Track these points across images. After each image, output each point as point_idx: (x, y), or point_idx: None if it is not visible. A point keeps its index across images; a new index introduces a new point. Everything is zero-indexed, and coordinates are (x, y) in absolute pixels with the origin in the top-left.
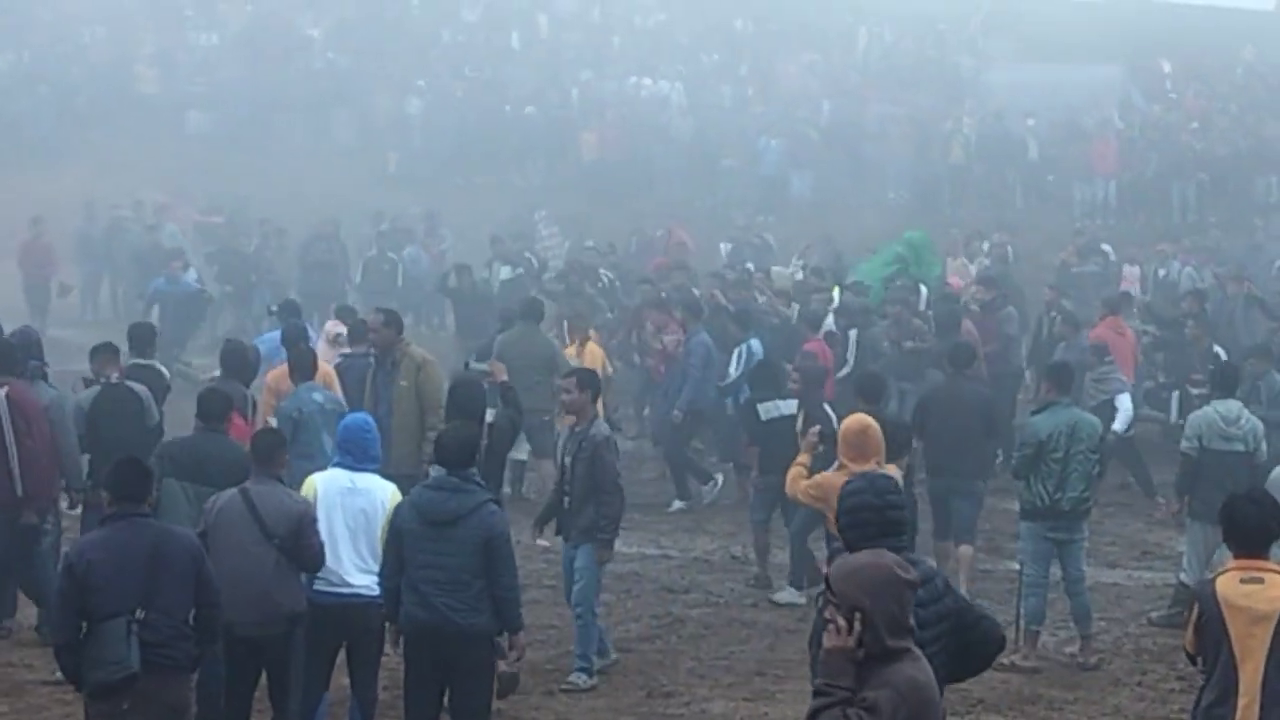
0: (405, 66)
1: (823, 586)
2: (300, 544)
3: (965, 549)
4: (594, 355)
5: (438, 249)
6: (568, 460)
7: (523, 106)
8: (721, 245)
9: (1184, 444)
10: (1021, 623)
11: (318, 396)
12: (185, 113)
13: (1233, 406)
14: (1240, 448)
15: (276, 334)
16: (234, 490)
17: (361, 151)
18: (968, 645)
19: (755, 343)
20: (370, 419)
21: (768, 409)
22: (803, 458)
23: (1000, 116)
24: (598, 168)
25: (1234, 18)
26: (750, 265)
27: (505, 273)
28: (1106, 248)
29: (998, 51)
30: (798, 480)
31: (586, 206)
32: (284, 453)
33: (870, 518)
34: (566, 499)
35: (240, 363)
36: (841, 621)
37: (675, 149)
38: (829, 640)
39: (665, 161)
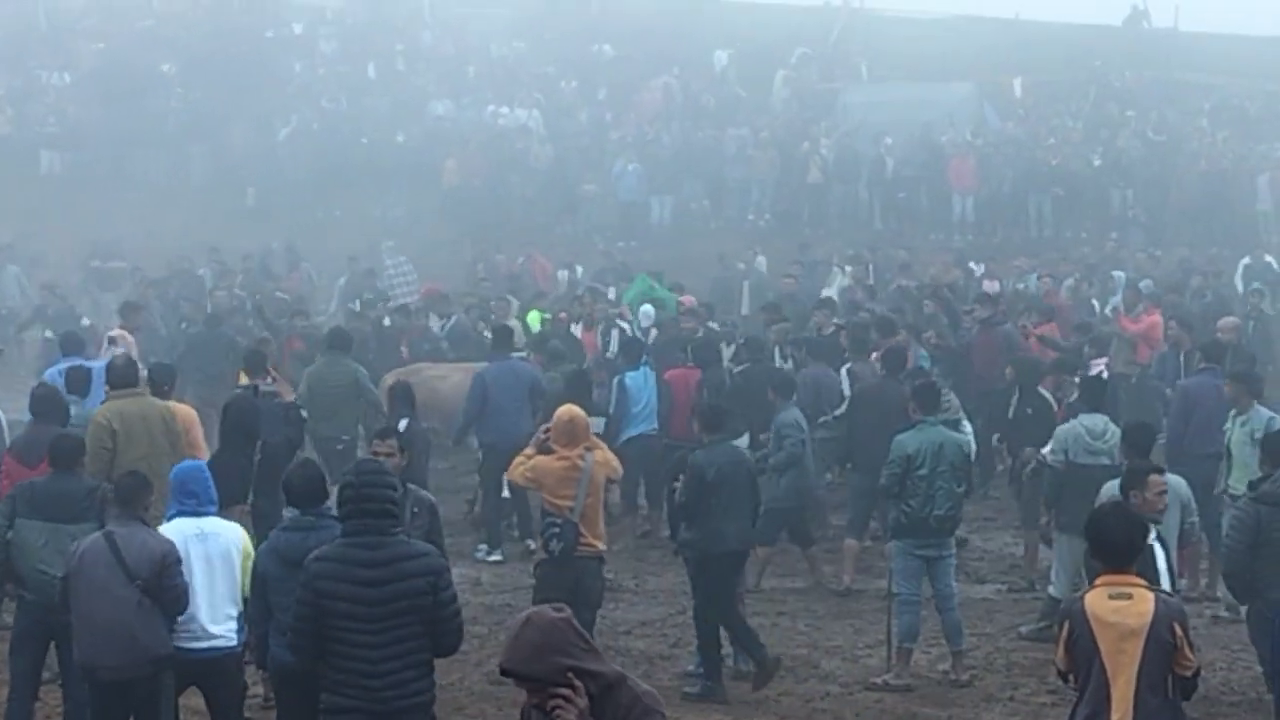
0: (260, 100)
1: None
2: (163, 584)
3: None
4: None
5: (300, 281)
6: None
7: (380, 138)
8: (560, 272)
9: (1050, 457)
10: (894, 641)
11: None
12: (38, 153)
13: (1098, 420)
14: (1106, 461)
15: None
16: (98, 534)
17: (218, 188)
18: None
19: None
20: (203, 464)
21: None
22: (529, 450)
23: (857, 136)
24: (458, 196)
25: (1085, 34)
26: (611, 290)
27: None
28: (973, 265)
29: (853, 72)
30: (517, 466)
31: (446, 236)
32: (148, 494)
33: (349, 495)
34: None
35: (53, 407)
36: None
37: (534, 176)
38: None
39: (525, 189)
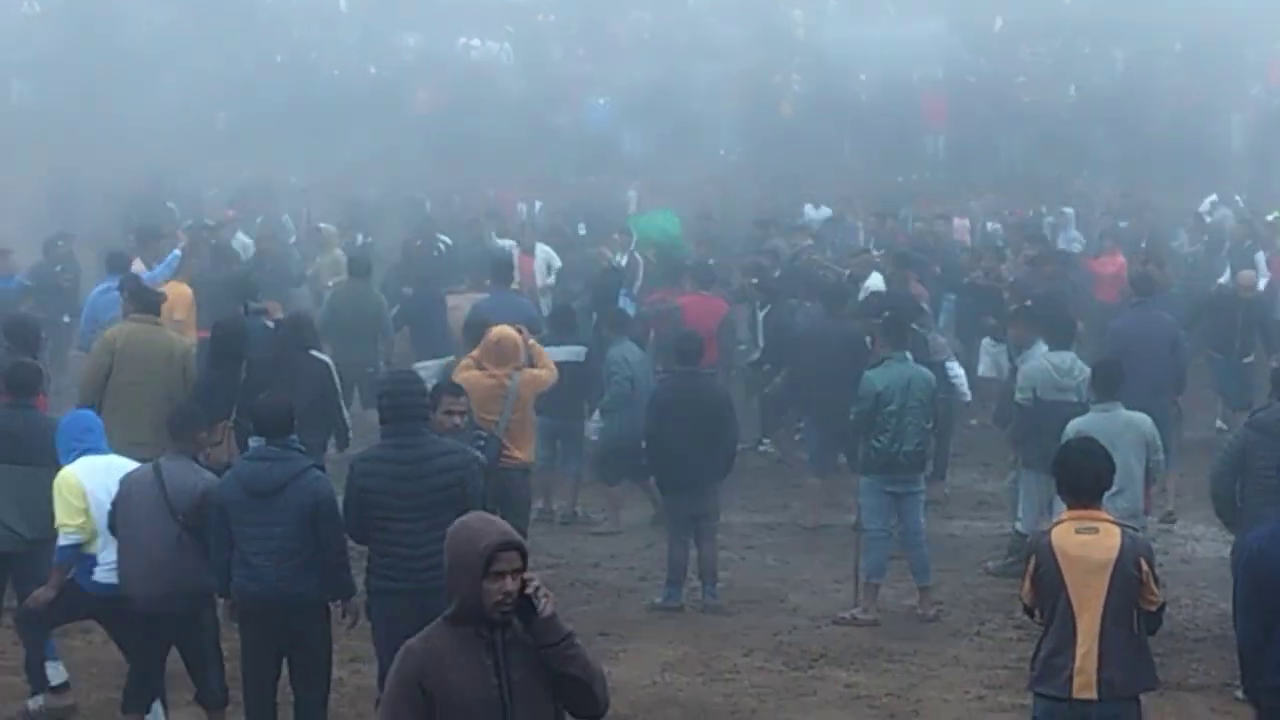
0: (231, 30)
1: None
2: (201, 520)
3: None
4: None
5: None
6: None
7: (351, 69)
8: (519, 206)
9: (1018, 395)
10: (861, 576)
11: None
12: (8, 81)
13: (1066, 358)
14: (1074, 398)
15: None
16: (148, 464)
17: (189, 117)
18: None
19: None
20: (89, 412)
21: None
22: (465, 362)
23: (829, 72)
24: (427, 126)
25: None
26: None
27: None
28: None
29: (827, 8)
30: (457, 374)
31: (415, 169)
32: (200, 429)
33: (386, 403)
34: None
35: (28, 336)
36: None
37: (505, 109)
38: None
39: (494, 121)
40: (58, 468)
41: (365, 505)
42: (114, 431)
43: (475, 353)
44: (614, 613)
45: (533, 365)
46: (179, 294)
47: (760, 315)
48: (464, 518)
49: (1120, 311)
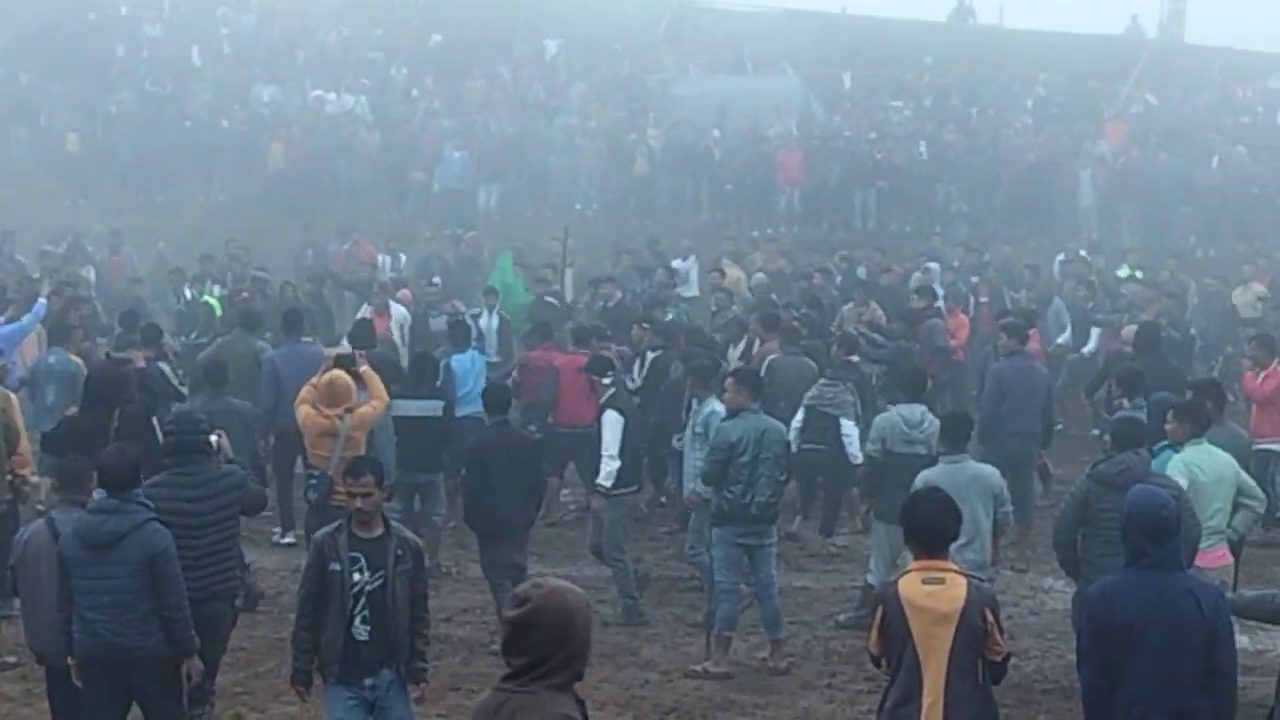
0: (84, 83)
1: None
2: None
3: None
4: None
5: (122, 264)
6: (364, 580)
7: (204, 122)
8: (381, 257)
9: (868, 446)
10: (714, 628)
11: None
12: None
13: (915, 410)
14: (922, 450)
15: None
16: (40, 521)
17: (40, 170)
18: None
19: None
20: None
21: (396, 406)
22: (302, 395)
23: (684, 127)
24: (281, 180)
25: (910, 29)
26: (437, 280)
27: (217, 290)
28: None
29: (681, 64)
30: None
31: (270, 221)
32: (90, 480)
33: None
34: (364, 629)
35: None
36: None
37: (361, 162)
38: None
39: (351, 175)
40: None
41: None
42: None
43: (307, 392)
44: (466, 668)
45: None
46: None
47: (649, 357)
48: None
49: (996, 358)
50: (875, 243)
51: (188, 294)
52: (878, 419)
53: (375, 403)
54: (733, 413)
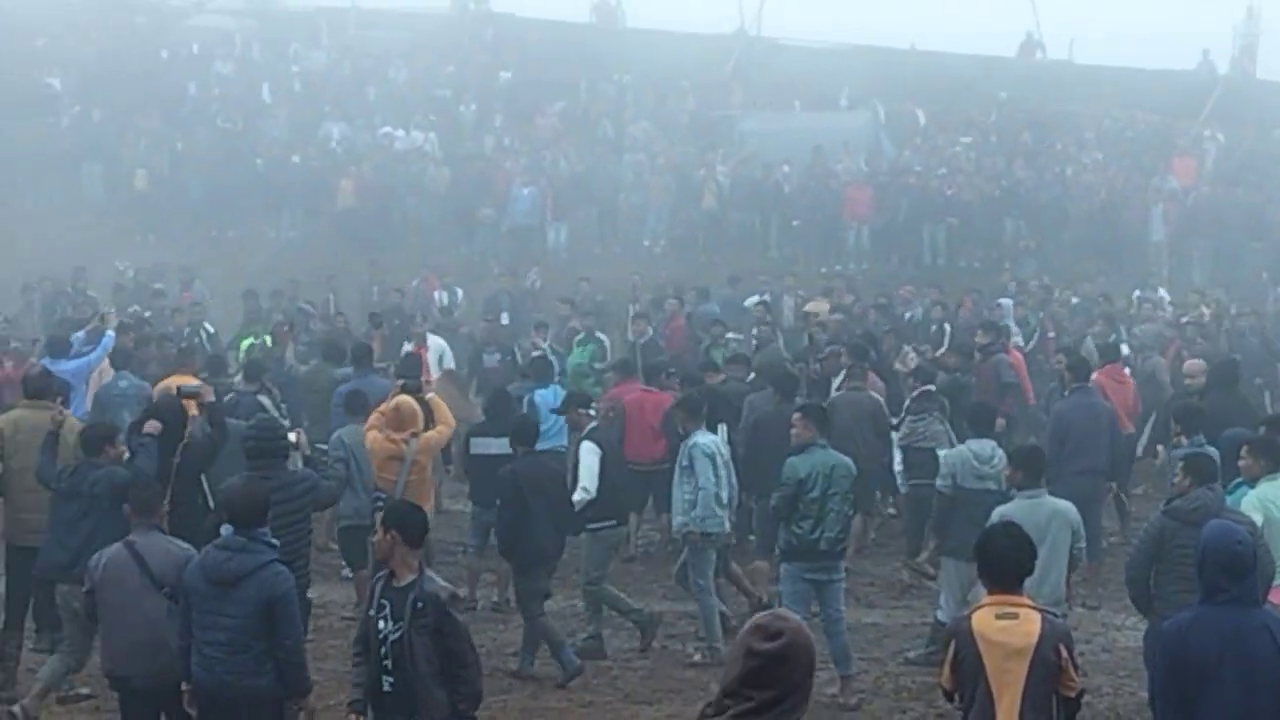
0: (155, 120)
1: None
2: None
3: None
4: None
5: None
6: (388, 630)
7: (275, 159)
8: (438, 294)
9: (939, 482)
10: None
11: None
12: None
13: (986, 445)
14: (993, 485)
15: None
16: (118, 544)
17: (112, 207)
18: None
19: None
20: None
21: (476, 444)
22: (371, 421)
23: (753, 163)
24: (351, 218)
25: (979, 64)
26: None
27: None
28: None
29: (751, 99)
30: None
31: (340, 257)
32: (161, 503)
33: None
34: (387, 680)
35: None
36: None
37: (430, 199)
38: None
39: (420, 211)
40: None
41: None
42: (9, 518)
43: (375, 418)
44: (535, 701)
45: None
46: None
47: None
48: None
49: (1061, 394)
50: (946, 279)
51: (208, 329)
52: (947, 454)
53: (442, 428)
54: (800, 448)
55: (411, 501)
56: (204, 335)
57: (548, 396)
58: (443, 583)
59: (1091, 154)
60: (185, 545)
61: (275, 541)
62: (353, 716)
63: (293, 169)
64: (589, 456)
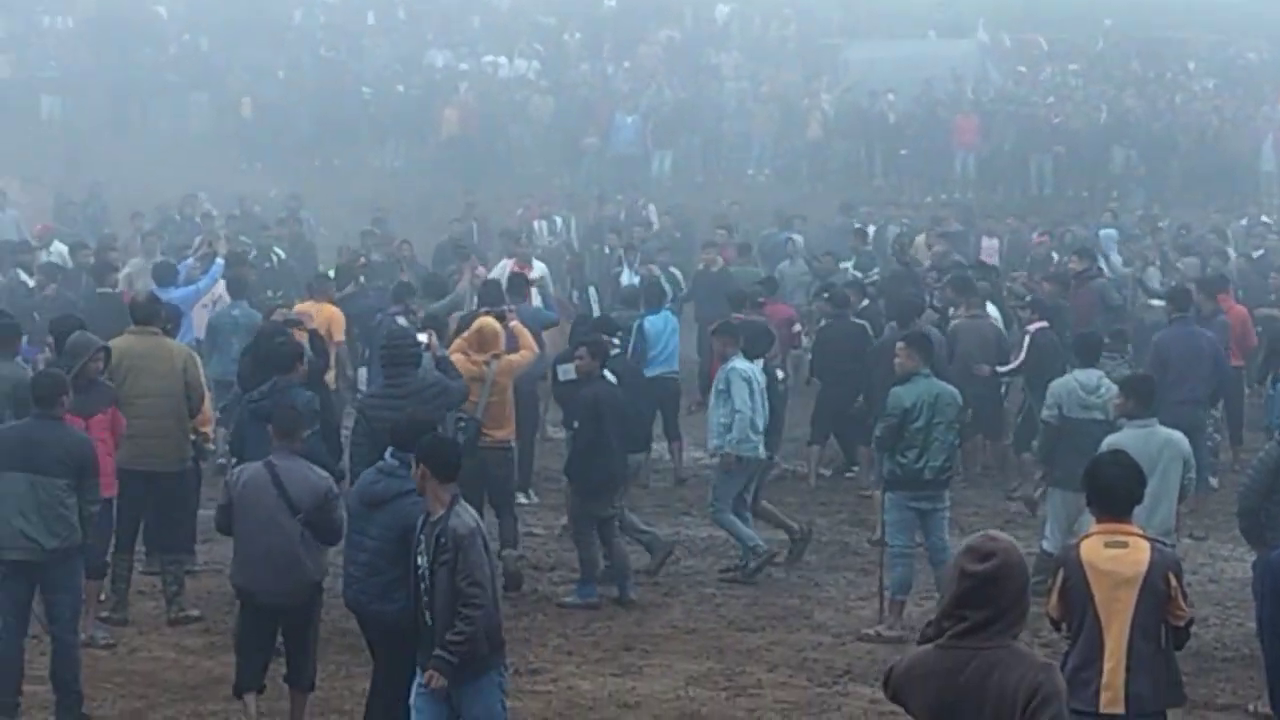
0: (260, 48)
1: None
2: (323, 518)
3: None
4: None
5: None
6: (424, 565)
7: (380, 87)
8: (536, 223)
9: (1044, 412)
10: (886, 593)
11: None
12: (39, 97)
13: (1092, 375)
14: (1099, 415)
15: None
16: (259, 464)
17: (218, 135)
18: None
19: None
20: None
21: (562, 370)
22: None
23: (858, 91)
24: (456, 146)
25: None
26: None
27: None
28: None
29: (854, 27)
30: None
31: (444, 186)
32: (303, 429)
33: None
34: (427, 614)
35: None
36: None
37: (534, 128)
38: None
39: (523, 140)
40: (79, 478)
41: (374, 434)
42: (123, 444)
43: (461, 341)
44: (639, 628)
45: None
46: (329, 315)
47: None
48: None
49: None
50: (1052, 209)
51: (279, 254)
52: (1054, 384)
53: (524, 352)
54: (905, 377)
55: (444, 436)
56: (275, 260)
57: (657, 322)
58: (469, 518)
59: (1202, 82)
60: (324, 473)
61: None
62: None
63: (397, 98)
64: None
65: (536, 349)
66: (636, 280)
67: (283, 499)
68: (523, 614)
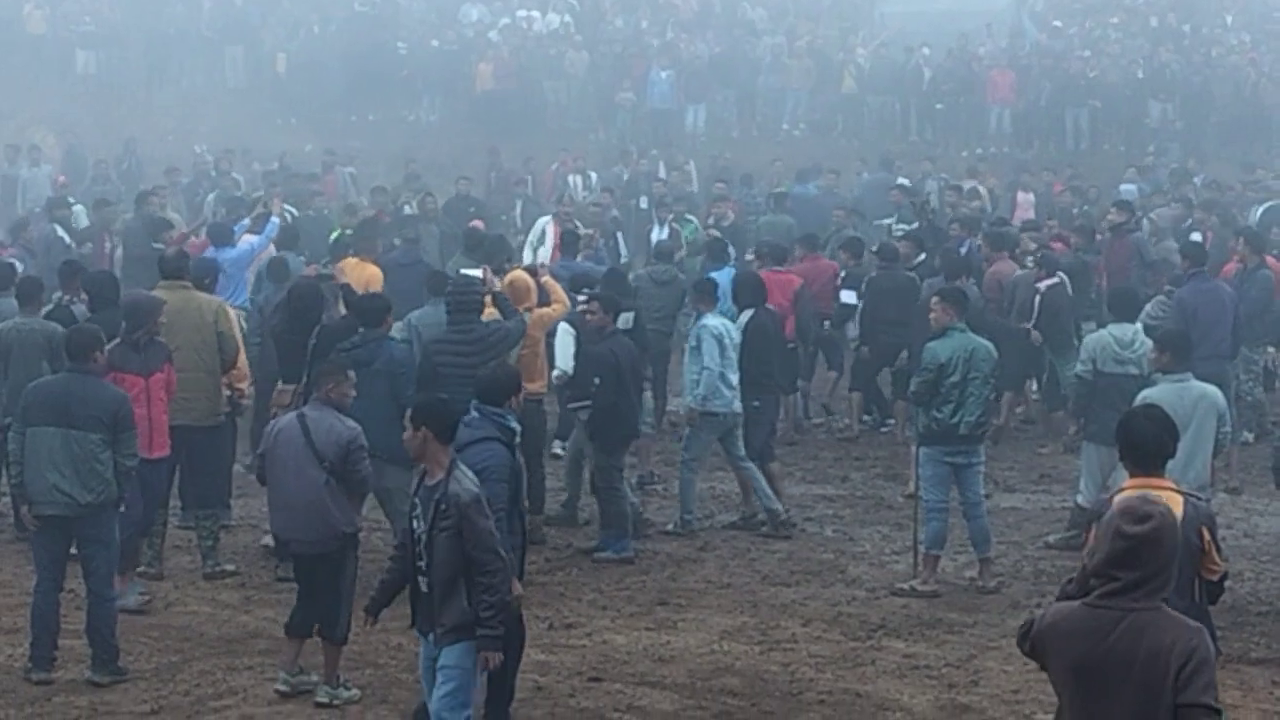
0: (295, 2)
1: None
2: (347, 469)
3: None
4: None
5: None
6: (420, 530)
7: (414, 42)
8: (571, 178)
9: (1079, 367)
10: (921, 547)
11: None
12: (74, 52)
13: (1127, 330)
14: (1134, 370)
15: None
16: (293, 415)
17: (253, 90)
18: None
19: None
20: None
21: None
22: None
23: (893, 46)
24: (490, 101)
25: None
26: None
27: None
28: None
29: None
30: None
31: (479, 140)
32: (334, 380)
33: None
34: (423, 581)
35: (113, 293)
36: None
37: (569, 82)
38: None
39: (558, 95)
40: (114, 432)
41: (438, 377)
42: None
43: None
44: (674, 582)
45: (546, 304)
46: (371, 274)
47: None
48: None
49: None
50: (1088, 163)
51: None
52: (1088, 338)
53: (556, 305)
54: (940, 332)
55: (440, 396)
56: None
57: (722, 278)
58: (470, 483)
59: (1239, 35)
60: (352, 423)
61: (515, 425)
62: (366, 618)
63: (432, 53)
64: (564, 337)
65: (569, 303)
66: (665, 235)
67: (310, 448)
68: (556, 568)
